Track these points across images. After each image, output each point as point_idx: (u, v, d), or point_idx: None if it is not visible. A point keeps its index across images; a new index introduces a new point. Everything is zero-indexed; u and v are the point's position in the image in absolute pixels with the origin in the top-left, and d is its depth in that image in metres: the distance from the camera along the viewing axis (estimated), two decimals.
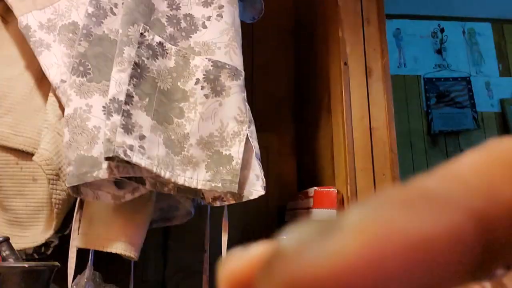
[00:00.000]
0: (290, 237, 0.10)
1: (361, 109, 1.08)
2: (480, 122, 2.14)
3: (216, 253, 0.92)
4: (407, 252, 0.09)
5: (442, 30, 2.20)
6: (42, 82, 0.92)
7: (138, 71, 0.79)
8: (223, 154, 0.82)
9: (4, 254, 0.77)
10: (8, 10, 0.97)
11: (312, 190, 1.10)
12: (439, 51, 2.19)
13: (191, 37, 0.89)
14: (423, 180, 0.10)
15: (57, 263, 0.81)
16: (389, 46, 1.16)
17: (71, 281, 0.78)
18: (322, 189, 1.08)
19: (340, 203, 1.05)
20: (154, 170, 0.76)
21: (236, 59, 0.88)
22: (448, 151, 2.11)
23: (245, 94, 0.88)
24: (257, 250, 0.12)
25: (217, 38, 0.88)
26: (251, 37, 1.54)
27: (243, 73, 0.88)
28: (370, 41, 1.13)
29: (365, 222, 0.10)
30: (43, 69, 0.87)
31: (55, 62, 0.86)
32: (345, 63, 1.10)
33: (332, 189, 1.06)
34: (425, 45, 2.18)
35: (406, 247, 0.09)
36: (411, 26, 2.19)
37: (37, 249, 0.90)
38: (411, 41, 2.17)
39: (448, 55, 2.19)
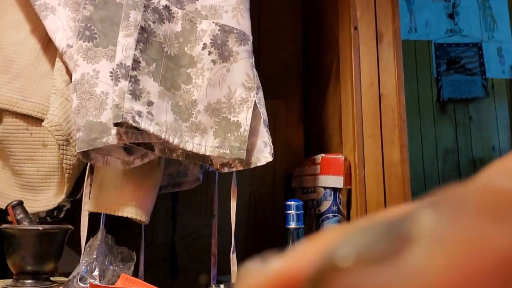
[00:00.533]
0: (347, 247, 0.08)
1: (370, 75, 1.06)
2: (490, 89, 2.10)
3: (224, 218, 0.94)
4: (505, 271, 0.07)
5: None
6: (48, 46, 0.91)
7: (144, 35, 0.78)
8: (231, 120, 0.82)
9: (18, 217, 0.79)
10: None
11: (319, 157, 1.11)
12: (451, 16, 2.13)
13: (198, 0, 0.87)
14: (495, 178, 0.09)
15: (70, 226, 0.83)
16: (400, 9, 1.12)
17: (84, 244, 0.81)
18: (329, 156, 1.09)
19: (347, 170, 1.06)
20: (163, 136, 0.76)
21: (244, 23, 0.86)
22: (456, 118, 2.09)
23: (253, 59, 0.87)
24: (278, 265, 0.10)
25: (224, 1, 0.86)
26: (258, 0, 1.50)
27: (251, 37, 0.87)
28: (381, 4, 1.09)
29: (448, 232, 0.08)
30: (49, 34, 0.86)
31: (61, 26, 0.85)
32: (355, 28, 1.08)
33: (340, 156, 1.06)
34: (437, 9, 2.12)
35: (504, 266, 0.07)
36: None
37: (50, 212, 0.92)
38: (423, 5, 2.10)
39: (461, 20, 2.13)
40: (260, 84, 0.87)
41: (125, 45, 0.76)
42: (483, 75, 2.09)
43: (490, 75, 2.10)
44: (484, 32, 2.14)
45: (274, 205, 1.36)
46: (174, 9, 0.84)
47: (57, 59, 0.88)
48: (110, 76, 0.78)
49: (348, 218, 1.06)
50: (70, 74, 0.84)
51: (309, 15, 1.53)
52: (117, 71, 0.75)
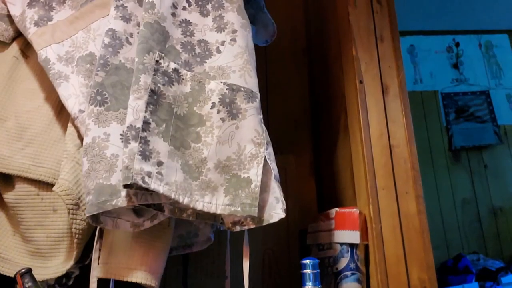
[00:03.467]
0: None
1: (379, 127, 1.06)
2: (503, 135, 2.08)
3: (237, 279, 0.90)
4: None
5: (457, 44, 2.18)
6: (61, 113, 0.93)
7: (154, 97, 0.80)
8: (241, 177, 0.81)
9: (27, 285, 0.77)
10: (28, 45, 1.00)
11: (333, 211, 1.08)
12: (455, 66, 2.16)
13: (206, 62, 0.90)
14: None
15: None
16: (404, 62, 1.14)
17: None
18: (344, 210, 1.06)
19: (363, 224, 1.02)
20: (173, 196, 0.75)
21: (251, 82, 0.88)
22: (471, 167, 2.05)
23: (261, 116, 0.88)
24: None
25: (232, 62, 0.89)
26: (265, 58, 1.55)
27: (258, 95, 0.88)
28: (385, 58, 1.12)
29: None
30: (62, 100, 0.88)
31: (74, 92, 0.87)
32: (361, 81, 1.09)
33: (354, 209, 1.03)
34: (440, 60, 2.16)
35: None
36: (425, 41, 2.18)
37: (58, 280, 0.90)
38: (426, 57, 2.15)
39: (465, 69, 2.16)
40: (269, 140, 0.87)
41: (136, 108, 0.78)
42: (494, 121, 2.08)
43: (501, 122, 2.09)
44: (491, 79, 2.16)
45: (289, 263, 1.31)
46: (183, 71, 0.87)
47: (69, 124, 0.90)
48: (121, 138, 0.79)
49: (367, 275, 1.01)
50: (81, 138, 0.86)
51: (315, 70, 1.57)
52: (127, 133, 0.75)
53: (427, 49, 2.17)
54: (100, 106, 0.82)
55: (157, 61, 0.83)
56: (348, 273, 0.99)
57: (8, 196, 0.87)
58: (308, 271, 0.79)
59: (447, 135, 2.07)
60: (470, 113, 2.09)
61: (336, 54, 1.28)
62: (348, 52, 1.17)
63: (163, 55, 0.84)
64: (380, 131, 1.06)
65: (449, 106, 2.09)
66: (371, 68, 1.11)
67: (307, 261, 0.79)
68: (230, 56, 0.89)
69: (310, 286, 0.78)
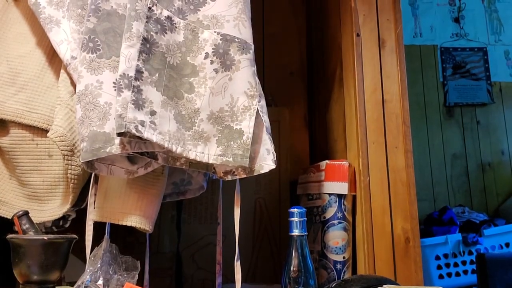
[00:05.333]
0: None
1: (374, 81, 1.06)
2: (498, 92, 2.08)
3: (230, 226, 0.94)
4: None
5: None
6: (54, 58, 0.92)
7: (147, 46, 0.79)
8: (234, 128, 0.82)
9: (24, 227, 0.80)
10: None
11: (324, 164, 1.10)
12: (456, 20, 2.12)
13: (199, 10, 0.88)
14: None
15: (75, 236, 0.83)
16: (404, 15, 1.12)
17: (89, 253, 0.81)
18: (334, 162, 1.08)
19: (352, 176, 1.05)
20: (166, 145, 0.76)
21: (245, 32, 0.87)
22: (464, 123, 2.07)
23: (255, 68, 0.87)
24: None
25: (226, 10, 0.87)
26: (262, 7, 1.52)
27: (252, 46, 0.87)
28: (383, 10, 1.10)
29: None
30: (54, 46, 0.87)
31: (65, 38, 0.86)
32: (358, 34, 1.08)
33: (344, 162, 1.06)
34: (442, 13, 2.11)
35: None
36: None
37: (55, 222, 0.93)
38: (427, 9, 2.10)
39: (466, 23, 2.12)
40: (262, 92, 0.88)
41: (128, 56, 0.77)
42: (488, 80, 2.07)
43: (497, 79, 2.08)
44: (490, 35, 2.12)
45: (280, 212, 1.36)
46: (176, 19, 0.85)
47: (62, 71, 0.89)
48: (114, 86, 0.79)
49: (353, 224, 1.06)
50: (74, 85, 0.86)
51: (313, 21, 1.54)
52: (120, 82, 0.75)
53: (429, 1, 2.11)
54: (92, 53, 0.81)
55: (149, 8, 0.81)
56: (335, 221, 1.04)
57: (3, 141, 0.89)
58: (295, 219, 0.82)
59: (443, 91, 2.07)
60: (466, 70, 2.08)
61: (334, 5, 1.25)
62: (346, 3, 1.14)
63: (155, 1, 0.82)
64: (374, 86, 1.06)
65: (447, 61, 2.08)
66: (369, 21, 1.09)
67: (295, 210, 0.83)
68: (225, 4, 0.87)
69: (296, 233, 0.82)
